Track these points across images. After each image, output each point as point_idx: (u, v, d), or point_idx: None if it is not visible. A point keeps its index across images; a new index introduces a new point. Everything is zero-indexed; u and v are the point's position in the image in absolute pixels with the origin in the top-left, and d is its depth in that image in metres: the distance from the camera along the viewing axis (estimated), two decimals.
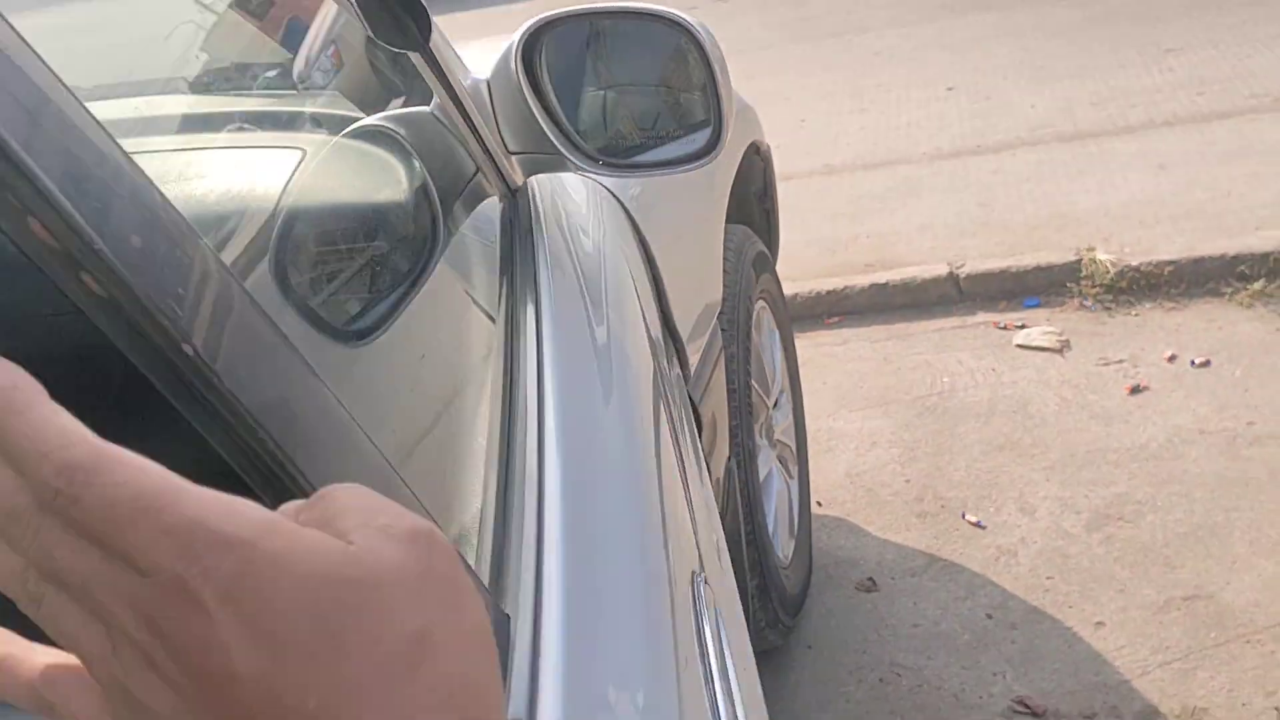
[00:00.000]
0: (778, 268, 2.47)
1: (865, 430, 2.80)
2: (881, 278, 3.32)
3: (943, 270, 3.28)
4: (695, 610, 0.81)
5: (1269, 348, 2.76)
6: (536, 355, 0.95)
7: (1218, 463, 2.41)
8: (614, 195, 1.41)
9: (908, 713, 1.99)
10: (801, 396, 2.45)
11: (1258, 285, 2.95)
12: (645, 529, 0.85)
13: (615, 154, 1.25)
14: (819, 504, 2.56)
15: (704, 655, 0.78)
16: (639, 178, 1.33)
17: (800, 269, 3.51)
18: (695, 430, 1.30)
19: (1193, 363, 2.75)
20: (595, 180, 1.41)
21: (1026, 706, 1.95)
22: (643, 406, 1.03)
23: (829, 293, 3.34)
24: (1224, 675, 1.92)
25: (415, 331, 0.92)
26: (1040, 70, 4.91)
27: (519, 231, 1.15)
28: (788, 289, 3.17)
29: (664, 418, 1.05)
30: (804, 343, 3.22)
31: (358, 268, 0.98)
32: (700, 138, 1.21)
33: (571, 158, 1.19)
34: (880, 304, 3.30)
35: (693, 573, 0.85)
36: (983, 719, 1.95)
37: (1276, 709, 1.84)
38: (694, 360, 1.59)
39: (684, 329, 1.57)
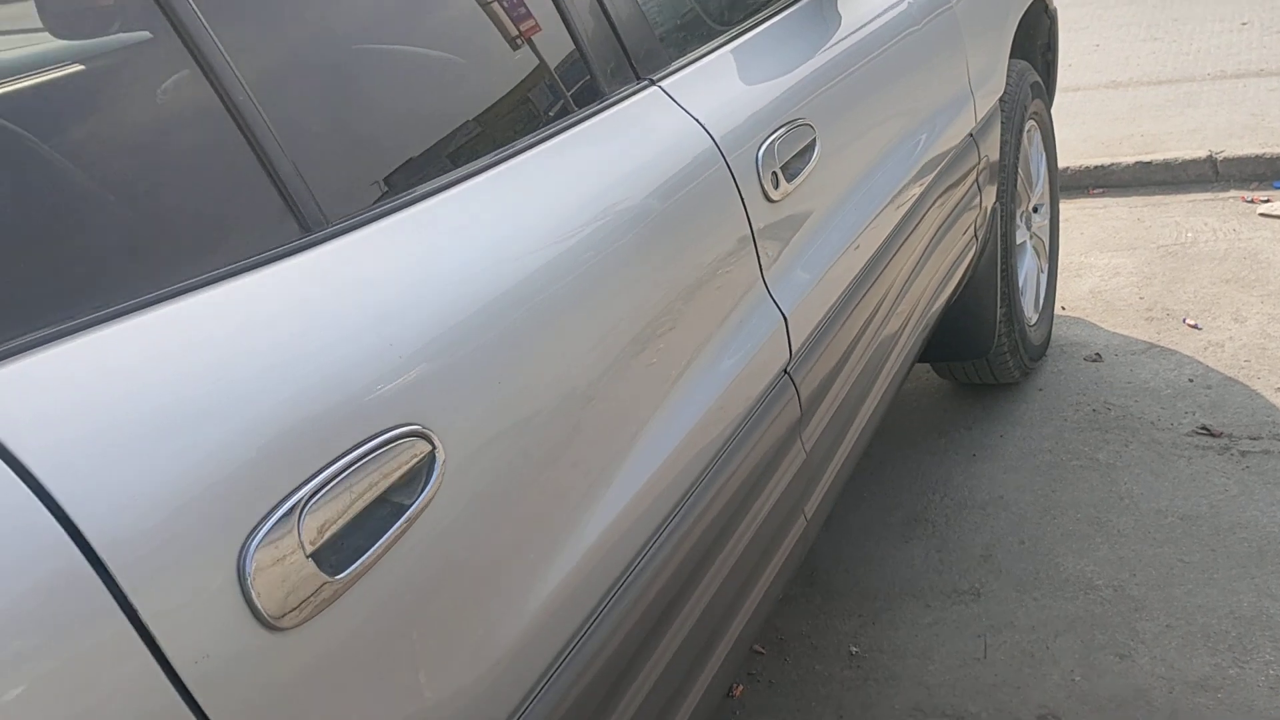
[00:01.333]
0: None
1: (1112, 265, 3.39)
2: (1145, 158, 3.85)
3: (1202, 154, 3.78)
4: None
5: None
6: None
7: None
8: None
9: (1111, 430, 2.64)
10: (1059, 211, 3.08)
11: None
12: None
13: None
14: (1063, 308, 3.19)
15: None
16: None
17: (1073, 155, 4.07)
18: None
19: None
20: None
21: (1207, 429, 2.55)
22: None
23: (1095, 167, 3.90)
24: None
25: None
26: None
27: None
28: (1060, 164, 3.77)
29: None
30: (1068, 207, 3.82)
31: None
32: None
33: None
34: (1142, 179, 3.83)
35: None
36: (1171, 436, 2.57)
37: None
38: (980, 113, 2.30)
39: (976, 89, 2.29)
